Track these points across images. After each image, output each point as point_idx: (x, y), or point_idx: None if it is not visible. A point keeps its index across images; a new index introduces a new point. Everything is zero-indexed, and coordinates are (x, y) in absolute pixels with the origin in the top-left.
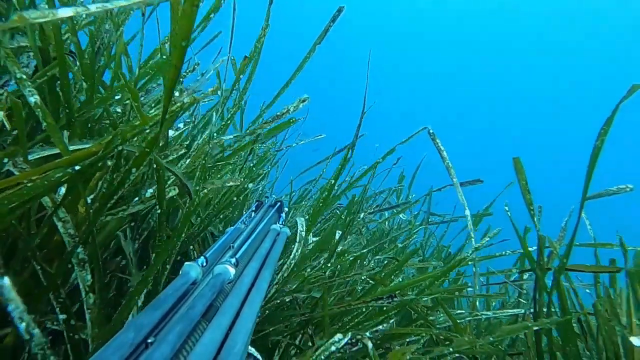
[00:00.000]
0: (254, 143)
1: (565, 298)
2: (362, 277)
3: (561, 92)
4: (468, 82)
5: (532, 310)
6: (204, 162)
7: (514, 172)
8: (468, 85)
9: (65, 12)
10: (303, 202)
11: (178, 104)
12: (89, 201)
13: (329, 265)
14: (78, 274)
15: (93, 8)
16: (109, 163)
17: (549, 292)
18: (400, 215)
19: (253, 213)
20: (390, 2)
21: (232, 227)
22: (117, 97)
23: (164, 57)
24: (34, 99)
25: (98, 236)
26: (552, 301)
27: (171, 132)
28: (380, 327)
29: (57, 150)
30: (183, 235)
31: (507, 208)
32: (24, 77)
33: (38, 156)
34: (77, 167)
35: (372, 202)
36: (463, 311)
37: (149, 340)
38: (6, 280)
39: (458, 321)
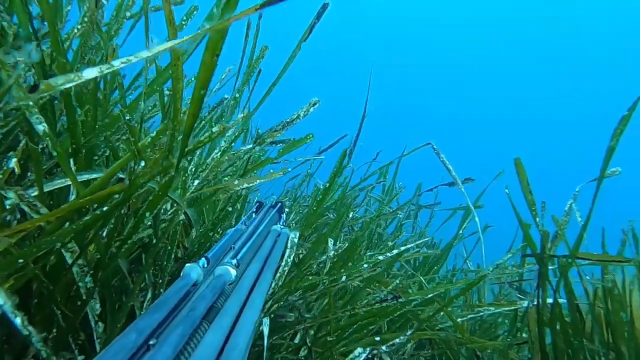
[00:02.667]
0: (269, 161)
1: (572, 289)
2: (357, 280)
3: (553, 85)
4: (462, 75)
5: (534, 303)
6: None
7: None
8: (461, 78)
9: (90, 74)
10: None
11: (207, 135)
12: (102, 234)
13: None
14: (88, 305)
15: (117, 64)
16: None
17: (557, 284)
18: (388, 208)
19: (254, 214)
20: None
21: (232, 228)
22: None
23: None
24: (42, 127)
25: (109, 265)
26: (559, 292)
27: None
28: (397, 340)
29: (67, 182)
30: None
31: (507, 190)
32: (31, 103)
33: (50, 188)
34: (104, 208)
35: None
36: (460, 304)
37: (151, 342)
38: None
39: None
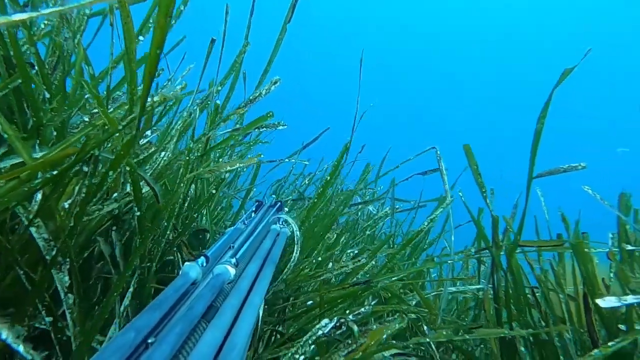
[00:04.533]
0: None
1: (520, 273)
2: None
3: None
4: (449, 76)
5: (490, 285)
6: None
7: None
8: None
9: (17, 16)
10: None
11: (149, 103)
12: (67, 206)
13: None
14: (55, 276)
15: (47, 11)
16: (85, 169)
17: (507, 269)
18: (370, 208)
19: (253, 213)
20: None
21: (232, 227)
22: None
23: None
24: None
25: (79, 238)
26: (508, 277)
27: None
28: (362, 309)
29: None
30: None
31: (461, 194)
32: None
33: (10, 163)
34: (54, 172)
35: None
36: (432, 291)
37: (149, 341)
38: None
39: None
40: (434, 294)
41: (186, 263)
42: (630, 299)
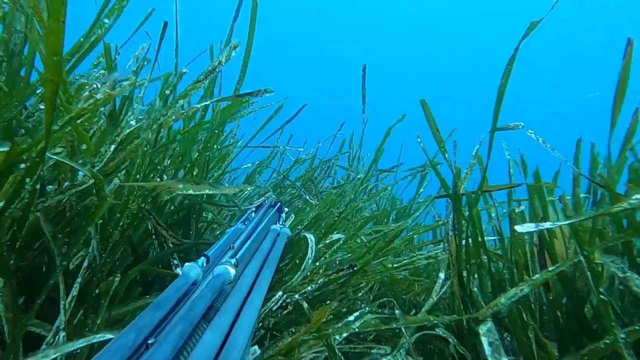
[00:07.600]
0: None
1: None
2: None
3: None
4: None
5: (451, 234)
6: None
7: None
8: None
9: None
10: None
11: (92, 101)
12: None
13: None
14: None
15: None
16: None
17: (470, 213)
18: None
19: (253, 214)
20: None
21: (232, 228)
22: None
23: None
24: None
25: (22, 229)
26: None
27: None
28: (309, 288)
29: None
30: None
31: (419, 139)
32: None
33: None
34: None
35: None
36: (404, 258)
37: (150, 341)
38: None
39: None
40: (406, 261)
41: (187, 264)
42: (546, 225)
